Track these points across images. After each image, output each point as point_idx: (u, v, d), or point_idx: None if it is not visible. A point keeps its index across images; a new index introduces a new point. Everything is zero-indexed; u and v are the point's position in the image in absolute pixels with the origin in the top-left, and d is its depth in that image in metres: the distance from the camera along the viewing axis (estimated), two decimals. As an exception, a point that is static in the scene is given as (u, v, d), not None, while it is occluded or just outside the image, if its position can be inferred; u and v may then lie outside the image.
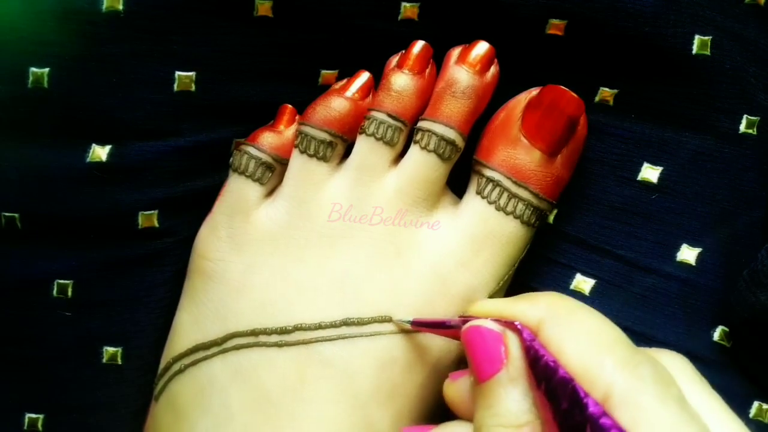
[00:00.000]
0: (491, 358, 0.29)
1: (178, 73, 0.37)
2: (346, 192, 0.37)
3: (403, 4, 0.38)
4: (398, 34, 0.38)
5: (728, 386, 0.33)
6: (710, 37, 0.37)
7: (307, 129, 0.38)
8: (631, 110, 0.39)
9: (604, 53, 0.38)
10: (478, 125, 0.38)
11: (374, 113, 0.38)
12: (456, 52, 0.38)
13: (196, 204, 0.39)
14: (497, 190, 0.37)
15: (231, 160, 0.39)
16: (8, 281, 0.38)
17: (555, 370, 0.26)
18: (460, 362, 0.38)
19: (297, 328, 0.36)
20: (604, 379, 0.25)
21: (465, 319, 0.31)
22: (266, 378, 0.35)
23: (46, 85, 0.36)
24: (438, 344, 0.36)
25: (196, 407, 0.36)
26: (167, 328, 0.39)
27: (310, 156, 0.38)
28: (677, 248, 0.39)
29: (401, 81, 0.38)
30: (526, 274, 0.40)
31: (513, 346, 0.29)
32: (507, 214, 0.37)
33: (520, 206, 0.37)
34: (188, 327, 0.38)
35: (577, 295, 0.40)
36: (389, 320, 0.36)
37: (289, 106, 0.39)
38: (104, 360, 0.39)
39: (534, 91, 0.37)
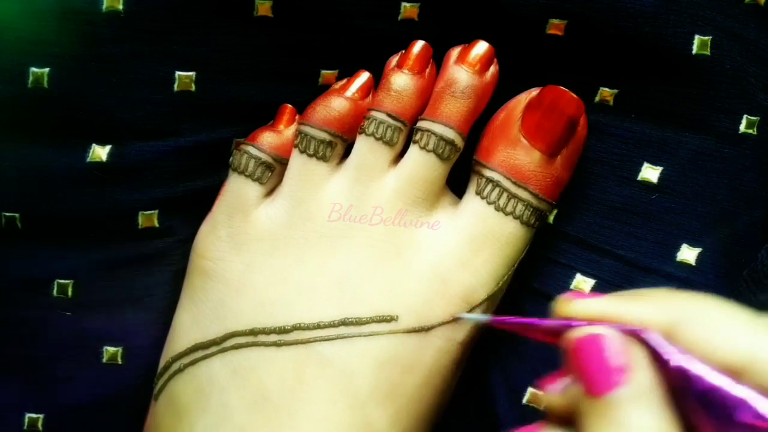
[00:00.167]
0: (612, 370, 0.25)
1: (178, 73, 0.37)
2: (345, 192, 0.37)
3: (403, 4, 0.38)
4: (398, 34, 0.38)
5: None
6: (710, 37, 0.37)
7: (306, 129, 0.38)
8: (631, 110, 0.39)
9: (604, 53, 0.38)
10: (478, 125, 0.38)
11: (374, 113, 0.38)
12: (455, 51, 0.38)
13: (196, 204, 0.39)
14: (497, 190, 0.37)
15: (231, 160, 0.39)
16: (8, 281, 0.38)
17: (718, 388, 0.23)
18: (461, 360, 0.38)
19: (296, 328, 0.36)
20: None
21: (566, 322, 0.27)
22: (265, 377, 0.35)
23: (46, 85, 0.36)
24: (437, 345, 0.36)
25: (195, 406, 0.36)
26: (167, 328, 0.39)
27: (310, 156, 0.38)
28: (677, 248, 0.39)
29: (401, 81, 0.38)
30: (526, 274, 0.39)
31: (637, 353, 0.25)
32: (506, 214, 0.37)
33: (520, 207, 0.37)
34: (188, 326, 0.38)
35: (578, 295, 0.40)
36: (388, 320, 0.36)
37: (289, 105, 0.39)
38: (104, 360, 0.39)
39: (534, 92, 0.37)
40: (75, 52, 0.36)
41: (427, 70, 0.38)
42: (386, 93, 0.38)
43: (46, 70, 0.36)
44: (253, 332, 0.36)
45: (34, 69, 0.35)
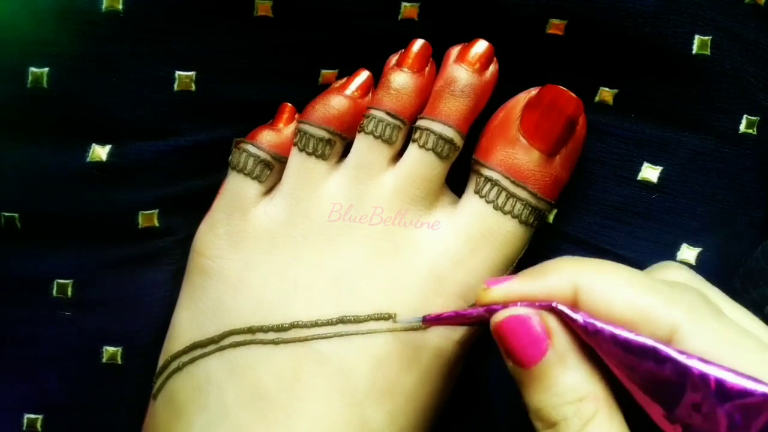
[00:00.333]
0: (535, 342, 0.29)
1: (178, 72, 0.37)
2: (344, 190, 0.37)
3: (403, 3, 0.38)
4: (398, 34, 0.38)
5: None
6: (710, 37, 0.37)
7: (306, 127, 0.38)
8: (631, 110, 0.39)
9: (604, 53, 0.38)
10: (477, 124, 0.38)
11: (373, 111, 0.38)
12: (455, 50, 0.38)
13: (196, 203, 0.39)
14: (495, 189, 0.37)
15: (230, 158, 0.39)
16: (8, 281, 0.38)
17: (616, 335, 0.27)
18: (458, 359, 0.37)
19: (293, 326, 0.36)
20: (664, 319, 0.27)
21: (488, 308, 0.30)
22: (262, 375, 0.35)
23: (45, 84, 0.36)
24: (434, 342, 0.36)
25: (193, 405, 0.36)
26: (167, 328, 0.39)
27: (309, 154, 0.38)
28: (677, 248, 0.39)
29: (400, 79, 0.38)
30: (527, 274, 0.40)
31: (552, 322, 0.29)
32: (505, 213, 0.37)
33: (519, 206, 0.37)
34: (186, 325, 0.38)
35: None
36: (386, 318, 0.36)
37: (289, 104, 0.39)
38: (104, 360, 0.39)
39: (533, 91, 0.37)
40: (74, 51, 0.36)
41: (427, 69, 0.38)
42: (386, 91, 0.38)
43: (46, 69, 0.36)
44: (251, 330, 0.36)
45: (33, 69, 0.36)
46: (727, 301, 0.30)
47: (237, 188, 0.38)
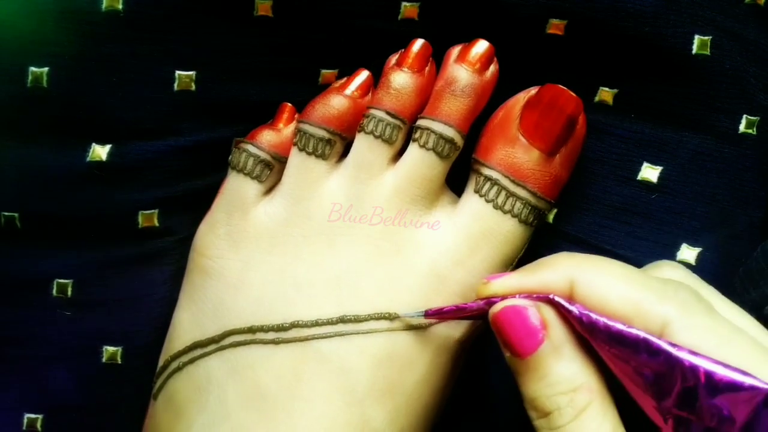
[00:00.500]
0: (531, 332, 0.30)
1: (178, 72, 0.37)
2: (344, 190, 0.37)
3: (403, 3, 0.38)
4: (398, 34, 0.38)
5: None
6: (710, 37, 0.37)
7: (306, 127, 0.38)
8: (631, 110, 0.39)
9: (604, 53, 0.38)
10: (477, 124, 0.38)
11: (373, 111, 0.38)
12: (456, 50, 0.38)
13: (196, 203, 0.39)
14: (495, 188, 0.37)
15: (230, 158, 0.39)
16: (8, 281, 0.38)
17: (610, 327, 0.28)
18: (459, 358, 0.37)
19: (294, 325, 0.36)
20: (656, 313, 0.28)
21: (488, 300, 0.32)
22: (263, 375, 0.35)
23: (45, 84, 0.36)
24: (435, 341, 0.36)
25: (193, 405, 0.36)
26: (167, 328, 0.39)
27: (309, 154, 0.38)
28: (677, 248, 0.39)
29: (400, 79, 0.38)
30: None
31: (548, 314, 0.30)
32: (505, 212, 0.37)
33: (518, 205, 0.37)
34: (186, 325, 0.38)
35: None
36: (386, 317, 0.36)
37: (289, 104, 0.39)
38: (104, 360, 0.39)
39: (533, 90, 0.37)
40: (74, 51, 0.36)
41: (427, 69, 0.38)
42: (386, 91, 0.38)
43: (45, 69, 0.36)
44: (251, 330, 0.36)
45: (33, 68, 0.36)
46: (721, 299, 0.31)
47: (237, 188, 0.38)
